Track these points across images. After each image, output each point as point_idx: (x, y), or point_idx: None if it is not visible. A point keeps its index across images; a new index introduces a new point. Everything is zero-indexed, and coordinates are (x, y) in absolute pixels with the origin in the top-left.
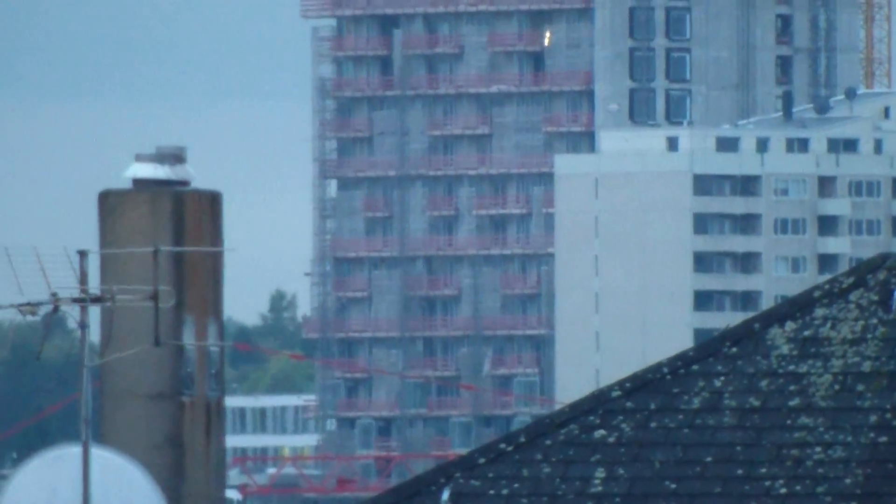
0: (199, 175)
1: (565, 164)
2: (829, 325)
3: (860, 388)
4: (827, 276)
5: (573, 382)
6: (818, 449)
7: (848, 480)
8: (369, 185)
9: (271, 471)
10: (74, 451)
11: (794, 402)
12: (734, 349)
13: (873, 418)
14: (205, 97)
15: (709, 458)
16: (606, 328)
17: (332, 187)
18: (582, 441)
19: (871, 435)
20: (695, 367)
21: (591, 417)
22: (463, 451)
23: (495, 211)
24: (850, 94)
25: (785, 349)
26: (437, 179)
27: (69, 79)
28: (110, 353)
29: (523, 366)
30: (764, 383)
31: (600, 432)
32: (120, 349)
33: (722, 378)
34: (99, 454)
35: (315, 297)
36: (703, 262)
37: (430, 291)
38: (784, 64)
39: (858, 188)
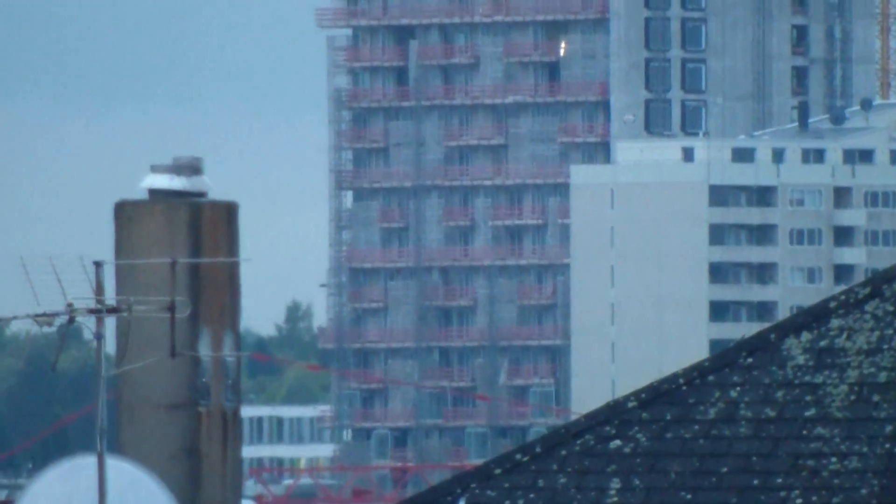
0: (215, 186)
1: (581, 174)
2: (844, 335)
3: (876, 398)
4: (842, 287)
5: (589, 393)
6: (834, 459)
7: (864, 491)
8: (385, 196)
9: (287, 482)
10: (90, 461)
11: (809, 413)
12: (750, 359)
13: (889, 429)
14: (221, 108)
15: (725, 469)
16: (622, 338)
17: (348, 198)
18: (598, 451)
19: (887, 445)
20: (710, 377)
21: (607, 428)
22: (479, 461)
23: (511, 221)
24: (866, 104)
25: (801, 360)
26: (453, 190)
27: (86, 90)
28: (126, 364)
29: (539, 376)
30: (780, 394)
31: (616, 443)
32: (136, 360)
33: (738, 388)
34: (115, 464)
35: (331, 308)
36: (718, 272)
37: (446, 302)
38: (800, 74)
39: (874, 199)
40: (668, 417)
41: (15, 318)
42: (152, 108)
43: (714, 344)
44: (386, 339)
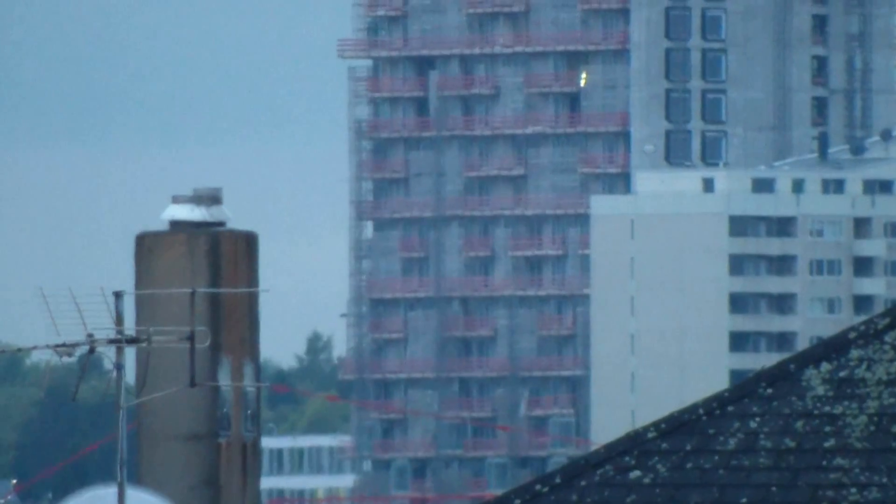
0: (235, 216)
1: (601, 205)
2: (864, 366)
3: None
4: (862, 318)
5: (609, 423)
6: (854, 490)
7: None
8: (405, 226)
9: None
10: (110, 491)
11: (829, 444)
12: (770, 390)
13: None
14: (241, 138)
15: (744, 500)
16: (642, 369)
17: (369, 228)
18: (617, 482)
19: None
20: (730, 407)
21: (627, 458)
22: (499, 492)
23: (531, 252)
24: (886, 135)
25: (820, 390)
26: (473, 220)
27: (106, 120)
28: (146, 394)
29: (559, 407)
30: (799, 424)
31: (636, 473)
32: (156, 390)
33: (757, 419)
34: (135, 495)
35: (351, 338)
36: (738, 303)
37: (466, 332)
38: (820, 105)
39: (894, 229)
40: (688, 448)
41: (35, 348)
42: (173, 138)
43: (734, 374)
44: (406, 369)
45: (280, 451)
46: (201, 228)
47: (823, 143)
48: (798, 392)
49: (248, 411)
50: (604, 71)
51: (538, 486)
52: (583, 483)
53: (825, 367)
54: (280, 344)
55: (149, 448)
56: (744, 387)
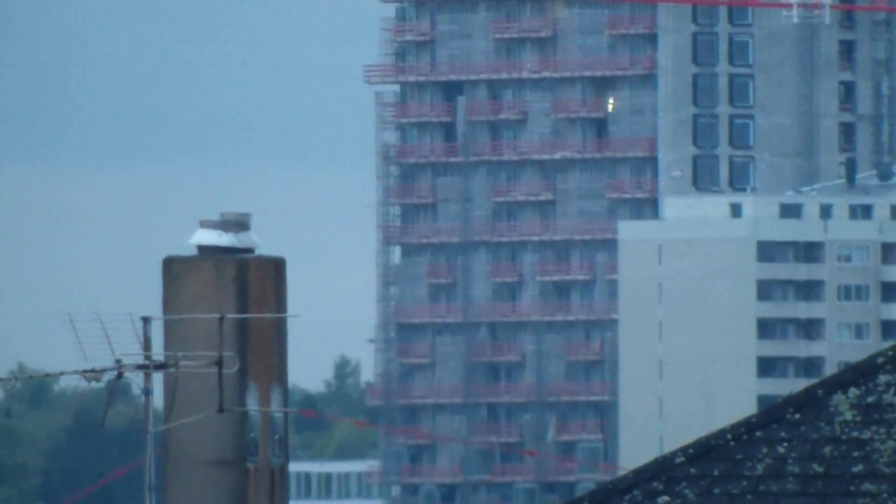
0: (263, 241)
1: (629, 230)
2: (892, 391)
3: None
4: (890, 342)
5: (637, 448)
6: None
7: None
8: (433, 252)
9: None
10: None
11: (857, 469)
12: (797, 415)
13: None
14: (269, 163)
15: None
16: (670, 394)
17: (396, 254)
18: None
19: None
20: (758, 433)
21: (655, 483)
22: None
23: (559, 277)
24: None
25: (848, 415)
26: (501, 246)
27: (133, 145)
28: (174, 420)
29: (587, 432)
30: (827, 450)
31: (664, 498)
32: (184, 415)
33: (785, 444)
34: None
35: (379, 364)
36: (766, 328)
37: (494, 357)
38: (847, 131)
39: None
40: (716, 473)
41: (63, 373)
42: (200, 163)
43: (762, 399)
44: (433, 394)
45: (308, 477)
46: (229, 254)
47: (851, 168)
48: (826, 417)
49: (276, 436)
50: (631, 96)
51: None
52: None
53: (853, 392)
54: (308, 369)
55: (176, 474)
56: (771, 412)
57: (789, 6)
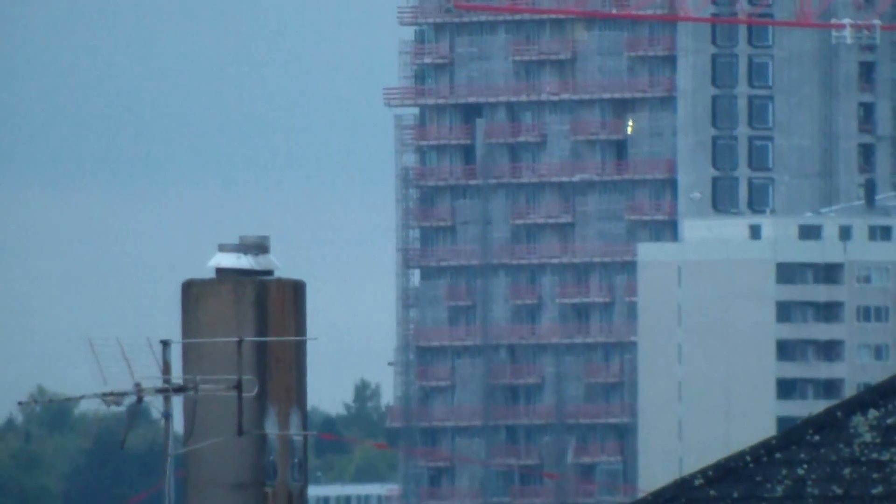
0: (282, 264)
1: (648, 252)
2: None
3: None
4: None
5: (656, 470)
6: None
7: None
8: (452, 274)
9: None
10: None
11: (876, 490)
12: (817, 437)
13: None
14: (288, 186)
15: None
16: (689, 416)
17: (416, 276)
18: None
19: None
20: (778, 455)
21: None
22: None
23: (578, 299)
24: None
25: (868, 437)
26: (520, 268)
27: (154, 169)
28: (194, 443)
29: (606, 454)
30: (847, 471)
31: None
32: (203, 438)
33: (805, 466)
34: None
35: (398, 386)
36: (785, 349)
37: (513, 380)
38: (866, 152)
39: None
40: (736, 495)
41: (83, 397)
42: (219, 186)
43: (781, 421)
44: (453, 417)
45: (327, 500)
46: (248, 277)
47: (870, 189)
48: (845, 439)
49: (295, 460)
50: (650, 118)
51: None
52: None
53: (872, 413)
54: (328, 392)
55: (196, 496)
56: (791, 434)
57: (842, 27)
